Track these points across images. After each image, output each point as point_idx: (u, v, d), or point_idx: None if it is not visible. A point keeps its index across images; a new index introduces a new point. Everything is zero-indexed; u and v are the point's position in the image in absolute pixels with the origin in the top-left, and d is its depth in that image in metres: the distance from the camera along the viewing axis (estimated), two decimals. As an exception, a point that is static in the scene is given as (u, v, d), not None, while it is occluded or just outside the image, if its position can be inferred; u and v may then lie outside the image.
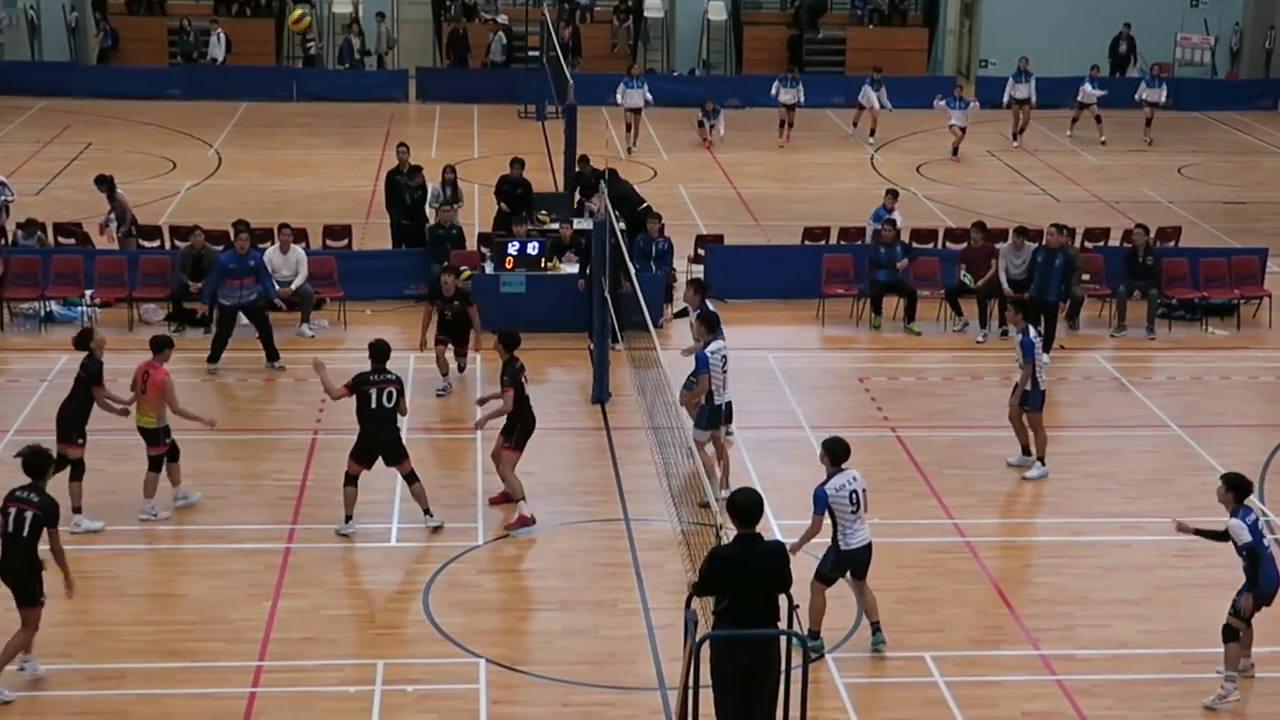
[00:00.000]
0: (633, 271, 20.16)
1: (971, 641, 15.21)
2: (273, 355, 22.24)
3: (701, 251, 26.51)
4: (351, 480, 16.85)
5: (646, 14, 47.29)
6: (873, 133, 37.93)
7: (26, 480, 13.70)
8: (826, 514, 14.35)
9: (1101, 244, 27.06)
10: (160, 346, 17.49)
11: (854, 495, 14.34)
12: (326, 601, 15.65)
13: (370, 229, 28.87)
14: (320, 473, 18.68)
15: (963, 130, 36.52)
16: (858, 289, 25.05)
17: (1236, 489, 14.21)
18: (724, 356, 17.77)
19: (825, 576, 14.55)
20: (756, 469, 18.54)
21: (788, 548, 12.02)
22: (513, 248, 23.91)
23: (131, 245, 25.72)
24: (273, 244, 23.97)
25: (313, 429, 20.01)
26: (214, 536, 16.99)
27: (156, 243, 26.40)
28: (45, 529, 13.43)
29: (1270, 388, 22.62)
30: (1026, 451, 18.87)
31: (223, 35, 43.78)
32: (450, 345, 21.56)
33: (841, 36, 47.41)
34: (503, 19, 45.14)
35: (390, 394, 16.71)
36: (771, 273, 25.94)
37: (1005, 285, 23.98)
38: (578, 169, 28.03)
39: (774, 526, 16.68)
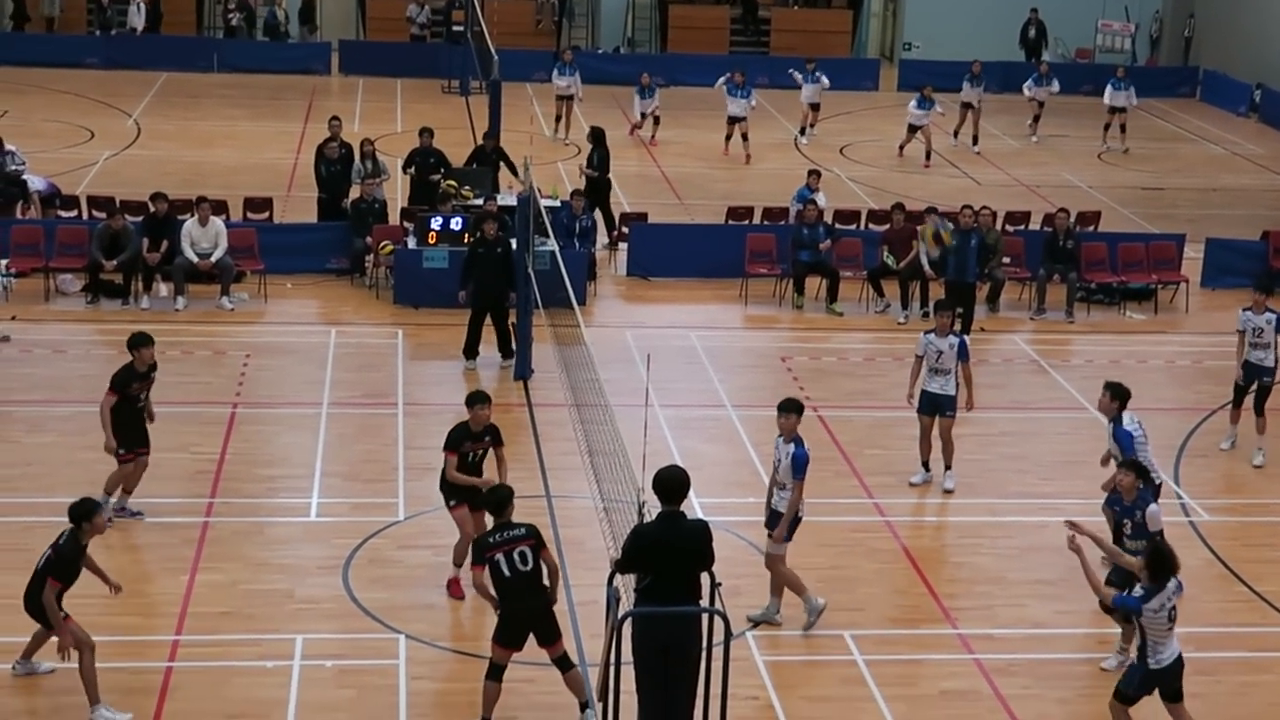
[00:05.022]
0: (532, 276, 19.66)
1: (890, 620, 15.29)
2: None
3: (625, 229, 26.50)
4: (496, 673, 12.89)
5: (572, -10, 47.20)
6: (813, 125, 37.57)
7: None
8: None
9: (1022, 227, 27.26)
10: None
11: (1172, 612, 12.59)
12: (245, 576, 15.52)
13: (291, 202, 28.64)
14: (238, 446, 18.53)
15: (915, 131, 35.25)
16: (780, 269, 25.11)
17: (1121, 396, 15.36)
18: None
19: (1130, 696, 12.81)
20: (678, 447, 18.55)
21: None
22: (436, 222, 23.79)
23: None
24: (191, 216, 23.73)
25: (232, 402, 19.83)
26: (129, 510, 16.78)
27: (74, 213, 26.06)
28: (48, 578, 12.94)
29: (1186, 372, 22.88)
30: (926, 468, 18.28)
31: (142, 5, 43.33)
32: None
33: (766, 17, 47.50)
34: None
35: (524, 554, 12.67)
36: (695, 251, 25.95)
37: (926, 267, 24.12)
38: (480, 143, 27.95)
39: (695, 504, 16.69)
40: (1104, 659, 14.38)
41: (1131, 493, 13.98)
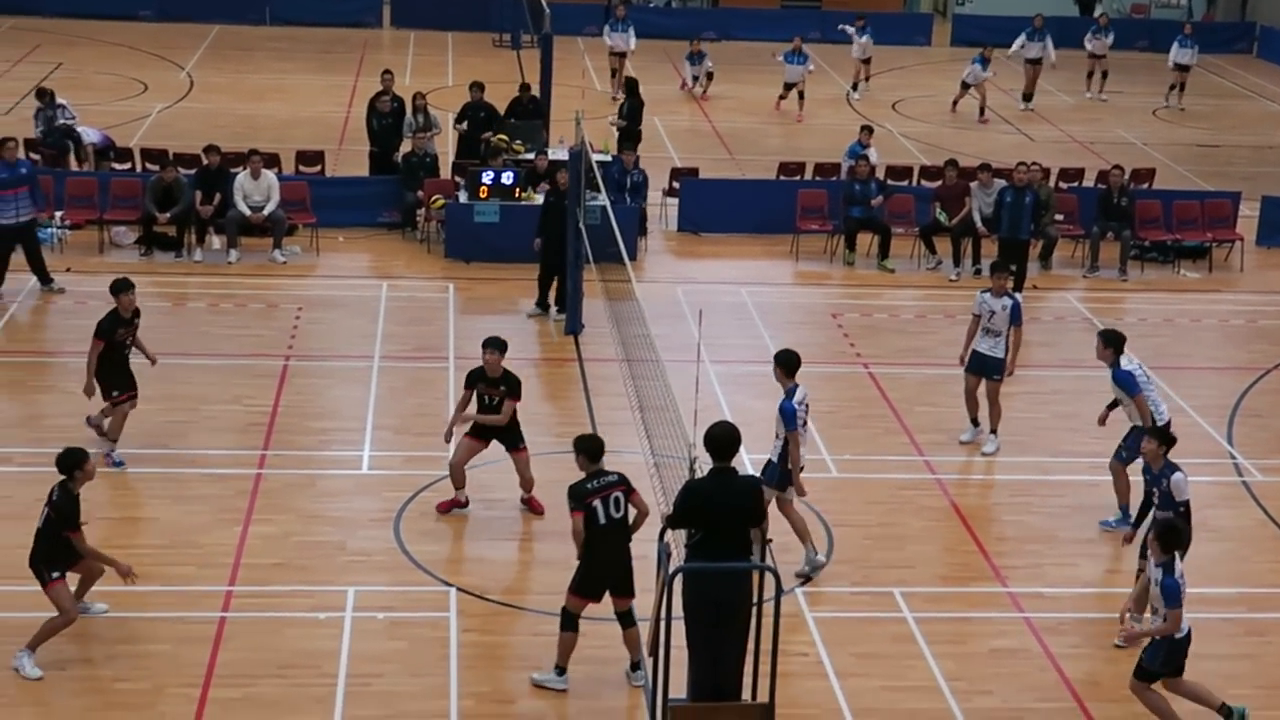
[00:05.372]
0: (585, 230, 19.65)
1: (940, 578, 15.29)
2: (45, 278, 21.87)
3: (676, 185, 26.46)
4: (571, 622, 13.03)
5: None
6: (866, 79, 37.26)
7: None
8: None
9: (1076, 184, 27.08)
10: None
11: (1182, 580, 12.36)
12: (297, 528, 15.63)
13: (343, 156, 28.70)
14: (291, 399, 18.63)
15: (968, 89, 35.00)
16: (832, 225, 25.04)
17: (1114, 343, 15.66)
18: (806, 405, 15.28)
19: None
20: (729, 402, 18.54)
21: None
22: (487, 177, 23.79)
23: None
24: (244, 169, 23.81)
25: (284, 355, 19.92)
26: (184, 461, 16.90)
27: (128, 165, 26.19)
28: (60, 531, 12.87)
29: (1239, 331, 22.71)
30: (976, 423, 18.27)
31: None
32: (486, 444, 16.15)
33: (819, -29, 47.23)
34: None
35: (618, 500, 12.85)
36: (746, 207, 25.90)
37: (979, 223, 24.00)
38: (517, 95, 27.94)
39: (746, 461, 16.68)
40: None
41: (1157, 460, 13.82)
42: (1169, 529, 12.43)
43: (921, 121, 34.49)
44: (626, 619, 13.07)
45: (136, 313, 16.84)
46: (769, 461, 14.99)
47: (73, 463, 13.05)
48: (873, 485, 16.96)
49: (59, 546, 12.96)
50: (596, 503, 12.73)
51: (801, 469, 14.86)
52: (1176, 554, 12.28)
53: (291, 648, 13.54)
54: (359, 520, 15.87)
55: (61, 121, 26.23)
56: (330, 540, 15.46)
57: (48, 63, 35.94)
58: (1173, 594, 12.10)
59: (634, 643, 13.12)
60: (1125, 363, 15.84)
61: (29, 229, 21.68)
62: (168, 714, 12.51)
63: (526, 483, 15.98)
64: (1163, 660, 12.43)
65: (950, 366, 18.74)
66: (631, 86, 28.90)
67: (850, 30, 36.67)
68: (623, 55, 35.56)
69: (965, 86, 34.81)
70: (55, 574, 12.95)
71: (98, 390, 16.66)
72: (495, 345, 15.61)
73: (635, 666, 13.19)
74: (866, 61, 36.70)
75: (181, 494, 16.22)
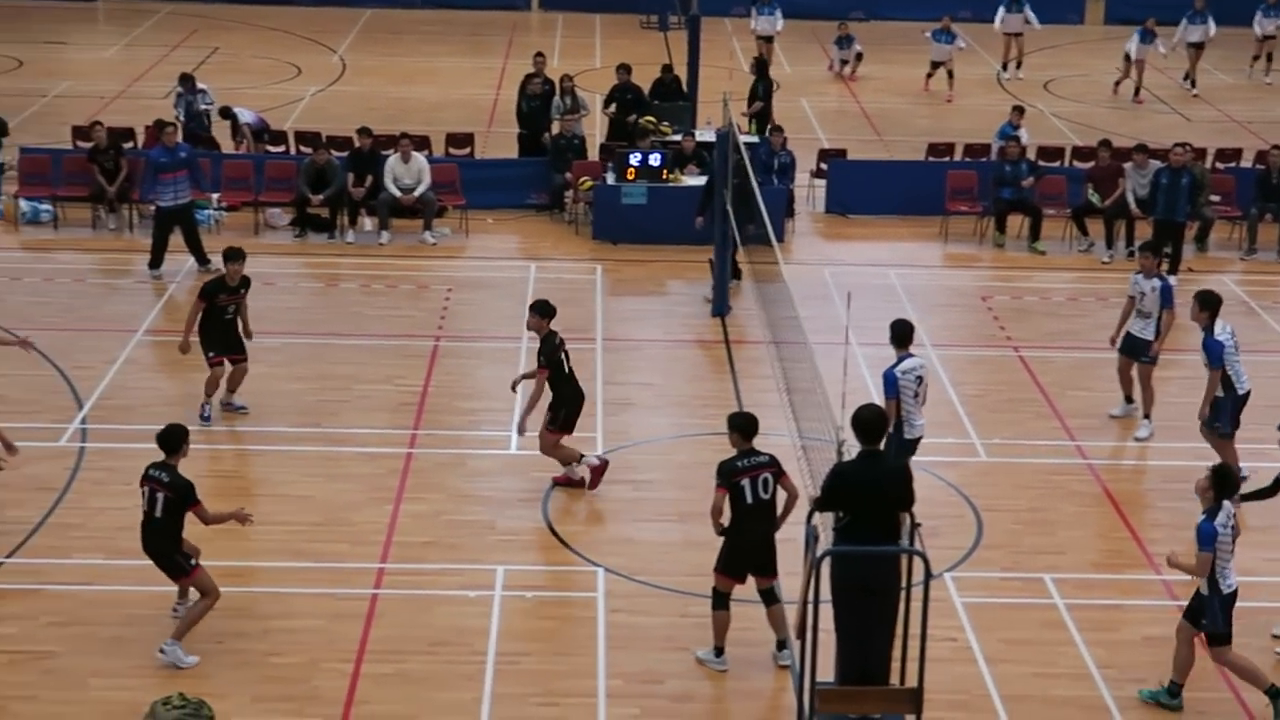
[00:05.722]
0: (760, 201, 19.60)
1: (1092, 564, 15.10)
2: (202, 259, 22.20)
3: (824, 166, 26.33)
4: (722, 601, 13.08)
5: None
6: (1019, 64, 36.50)
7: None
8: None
9: (1233, 165, 26.51)
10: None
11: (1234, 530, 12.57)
12: (447, 507, 15.81)
13: (491, 138, 28.92)
14: (441, 379, 18.83)
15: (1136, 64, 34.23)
16: (982, 206, 24.79)
17: (1210, 305, 15.81)
18: (918, 377, 15.28)
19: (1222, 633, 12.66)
20: (877, 386, 18.39)
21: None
22: (634, 159, 23.85)
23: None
24: (394, 152, 24.07)
25: (434, 335, 20.14)
26: (337, 440, 17.18)
27: (282, 148, 26.61)
28: (187, 510, 12.87)
29: (1405, 315, 22.14)
30: (1129, 400, 18.17)
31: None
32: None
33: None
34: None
35: (766, 481, 12.88)
36: (894, 188, 25.73)
37: (1133, 205, 23.62)
38: (659, 76, 27.97)
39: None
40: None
41: (1206, 498, 12.78)
42: (1223, 474, 12.49)
43: (1074, 101, 33.99)
44: (769, 596, 13.11)
45: (245, 282, 17.34)
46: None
47: (178, 440, 13.02)
48: (1023, 469, 16.79)
49: (180, 528, 12.92)
50: (744, 481, 12.77)
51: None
52: (1225, 502, 12.34)
53: (442, 624, 13.71)
54: (508, 500, 16.02)
55: (202, 106, 26.71)
56: (480, 519, 15.62)
57: (204, 47, 36.62)
58: (1207, 537, 12.21)
59: (778, 621, 13.14)
60: (1219, 330, 15.91)
61: (187, 211, 22.11)
62: (322, 688, 12.72)
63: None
64: (1223, 620, 12.42)
65: (1103, 350, 18.48)
66: (761, 67, 28.85)
67: (1004, 10, 35.87)
68: (769, 39, 35.30)
69: (1128, 60, 34.16)
70: (193, 561, 13.01)
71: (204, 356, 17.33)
72: (538, 310, 16.04)
73: (781, 645, 13.21)
74: (1016, 36, 35.91)
75: (335, 472, 16.47)
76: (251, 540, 14.86)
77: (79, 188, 24.09)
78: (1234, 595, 12.46)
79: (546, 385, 15.91)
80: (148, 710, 11.23)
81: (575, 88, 26.69)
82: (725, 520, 12.92)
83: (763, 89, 28.61)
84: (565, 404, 15.89)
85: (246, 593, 14.01)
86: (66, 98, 31.72)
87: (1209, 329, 15.99)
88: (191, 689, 11.68)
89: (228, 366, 17.35)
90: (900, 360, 15.05)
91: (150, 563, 13.03)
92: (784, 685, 12.97)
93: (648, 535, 15.41)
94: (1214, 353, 15.89)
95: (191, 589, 13.19)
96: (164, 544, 12.92)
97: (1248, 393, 15.87)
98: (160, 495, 12.81)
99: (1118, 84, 34.66)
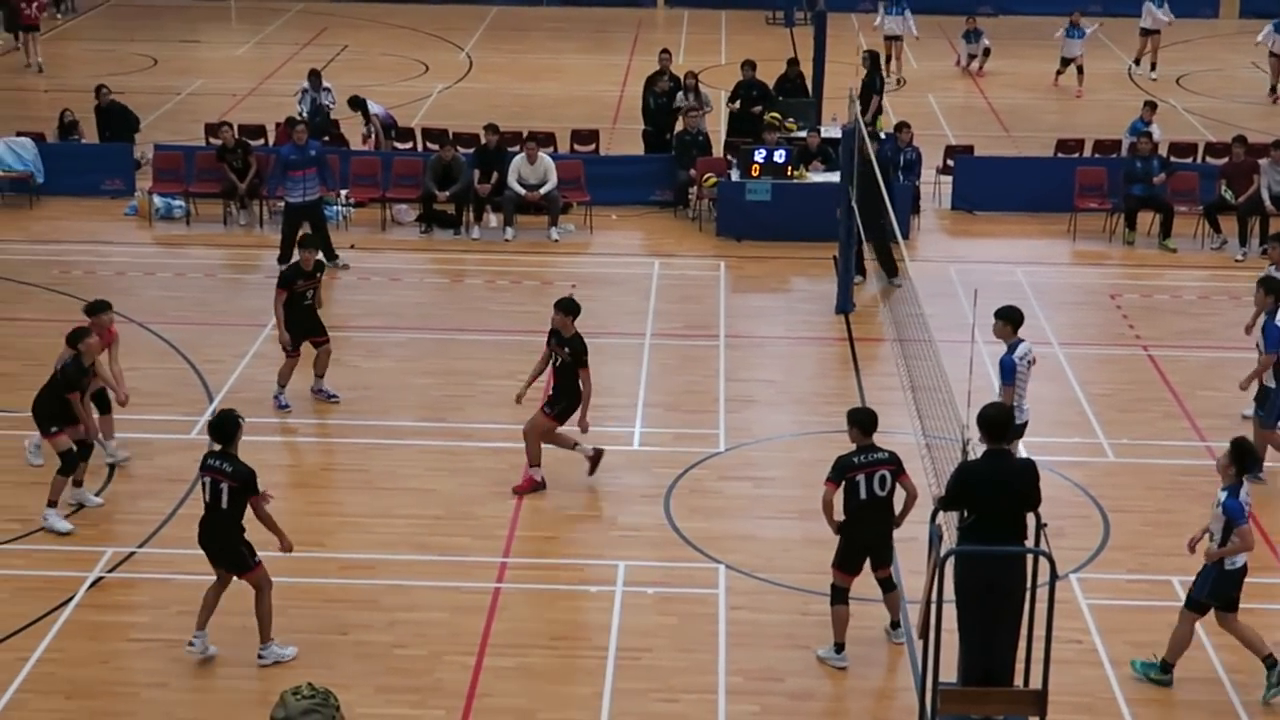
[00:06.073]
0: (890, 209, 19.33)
1: (1222, 567, 14.81)
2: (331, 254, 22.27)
3: (950, 162, 26.12)
4: (841, 597, 13.00)
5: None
6: (1153, 66, 35.51)
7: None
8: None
9: (1372, 161, 25.91)
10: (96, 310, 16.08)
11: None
12: (569, 502, 15.87)
13: (617, 134, 28.99)
14: (565, 375, 18.88)
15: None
16: (1111, 203, 24.46)
17: (1276, 291, 15.67)
18: (1030, 361, 15.26)
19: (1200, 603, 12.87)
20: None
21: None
22: (759, 155, 23.79)
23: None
24: (519, 150, 24.19)
25: (558, 331, 20.20)
26: (461, 434, 17.30)
27: (409, 145, 26.85)
28: (247, 500, 12.65)
29: None
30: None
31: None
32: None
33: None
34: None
35: (884, 478, 12.78)
36: (1022, 185, 25.44)
37: (1268, 202, 23.20)
38: (784, 71, 27.87)
39: (1020, 443, 16.41)
40: None
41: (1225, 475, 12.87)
42: (1244, 450, 12.46)
43: (1207, 97, 33.41)
44: (887, 584, 13.19)
45: (320, 266, 17.85)
46: None
47: (233, 427, 12.76)
48: (1151, 470, 16.54)
49: (241, 518, 12.74)
50: (860, 478, 12.72)
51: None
52: (1246, 478, 12.47)
53: (563, 619, 13.78)
54: (629, 496, 16.05)
55: (324, 103, 27.01)
56: (601, 515, 15.67)
57: (334, 45, 37.04)
58: (1237, 513, 12.29)
59: (894, 604, 13.29)
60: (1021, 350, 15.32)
61: (316, 207, 22.38)
62: (444, 680, 12.82)
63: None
64: (1210, 590, 12.54)
65: (1236, 349, 18.20)
66: (874, 60, 28.69)
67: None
68: (898, 39, 34.62)
69: (1275, 57, 33.26)
70: (257, 558, 12.87)
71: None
72: (563, 307, 15.83)
73: (895, 625, 13.34)
74: (1152, 32, 35.30)
75: (458, 466, 16.59)
76: (374, 533, 15.05)
77: (211, 184, 24.49)
78: (1234, 574, 12.62)
79: (551, 374, 16.12)
80: (278, 699, 11.40)
81: (700, 84, 26.68)
82: (839, 517, 12.87)
83: (879, 81, 28.38)
84: (568, 398, 15.87)
85: (371, 585, 14.16)
86: (199, 95, 32.25)
87: (1272, 313, 15.86)
88: (317, 679, 11.83)
89: (325, 349, 17.76)
90: (1014, 346, 14.93)
91: (278, 554, 13.08)
92: (905, 684, 12.89)
93: (769, 532, 15.37)
94: (1271, 338, 15.79)
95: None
96: (229, 536, 12.73)
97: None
98: (224, 485, 12.60)
99: (1274, 88, 33.63)
